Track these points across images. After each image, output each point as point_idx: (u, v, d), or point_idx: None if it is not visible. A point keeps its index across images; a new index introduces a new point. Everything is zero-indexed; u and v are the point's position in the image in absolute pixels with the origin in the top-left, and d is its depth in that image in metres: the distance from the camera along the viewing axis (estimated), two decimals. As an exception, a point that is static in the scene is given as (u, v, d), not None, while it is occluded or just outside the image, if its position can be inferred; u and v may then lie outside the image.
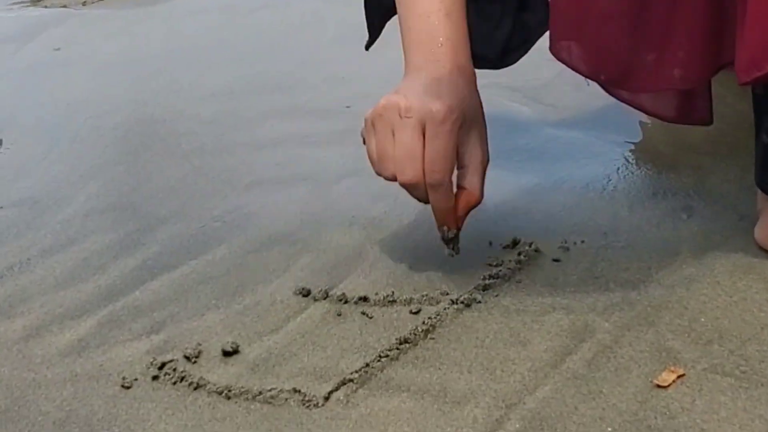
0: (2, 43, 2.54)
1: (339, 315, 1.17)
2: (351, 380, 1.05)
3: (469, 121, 1.22)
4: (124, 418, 1.03)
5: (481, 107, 1.25)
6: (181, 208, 1.46)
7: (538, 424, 0.97)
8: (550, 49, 1.27)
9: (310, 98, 1.85)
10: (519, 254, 1.26)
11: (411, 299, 1.18)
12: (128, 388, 1.07)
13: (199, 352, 1.12)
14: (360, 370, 1.06)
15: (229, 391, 1.05)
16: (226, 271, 1.29)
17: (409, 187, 1.19)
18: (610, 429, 0.95)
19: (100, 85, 1.99)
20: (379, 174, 1.20)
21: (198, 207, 1.47)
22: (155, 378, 1.09)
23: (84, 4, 2.93)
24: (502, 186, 1.45)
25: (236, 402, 1.04)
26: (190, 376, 1.08)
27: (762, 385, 0.99)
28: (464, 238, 1.28)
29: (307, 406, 1.02)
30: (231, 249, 1.34)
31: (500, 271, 1.22)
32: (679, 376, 1.02)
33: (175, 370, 1.09)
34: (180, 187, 1.51)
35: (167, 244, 1.35)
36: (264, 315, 1.19)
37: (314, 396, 1.03)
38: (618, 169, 1.49)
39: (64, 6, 2.92)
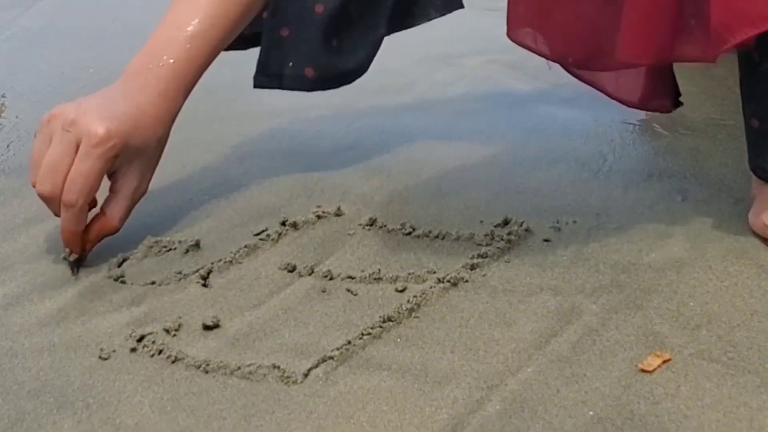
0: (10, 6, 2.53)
1: (323, 291, 1.15)
2: (331, 357, 1.03)
3: (134, 151, 1.23)
4: (100, 390, 1.01)
5: (162, 143, 1.27)
6: (169, 179, 1.44)
7: (519, 406, 0.95)
8: (508, 34, 1.24)
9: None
10: (509, 233, 1.24)
11: (397, 277, 1.17)
12: (106, 359, 1.06)
13: (180, 326, 1.10)
14: (341, 347, 1.05)
15: (207, 365, 1.03)
16: (211, 245, 1.27)
17: (45, 200, 1.21)
18: (591, 413, 0.94)
19: (96, 54, 1.98)
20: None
21: (187, 179, 1.45)
22: (133, 350, 1.07)
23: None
24: (496, 164, 1.44)
25: (214, 376, 1.02)
26: (168, 349, 1.06)
27: (748, 372, 0.98)
28: (456, 216, 1.27)
29: (286, 383, 1.00)
30: (218, 222, 1.32)
31: (489, 250, 1.20)
32: (664, 361, 1.00)
33: (154, 342, 1.07)
34: (170, 158, 1.47)
35: (154, 216, 1.33)
36: (247, 290, 1.17)
37: (293, 372, 1.01)
38: (614, 149, 1.47)
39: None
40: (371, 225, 1.28)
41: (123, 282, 1.20)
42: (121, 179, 1.25)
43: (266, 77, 1.40)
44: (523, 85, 1.76)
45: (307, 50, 1.38)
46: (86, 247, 1.24)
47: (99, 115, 1.20)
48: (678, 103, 1.37)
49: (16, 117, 1.74)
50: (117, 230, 1.26)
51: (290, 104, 1.67)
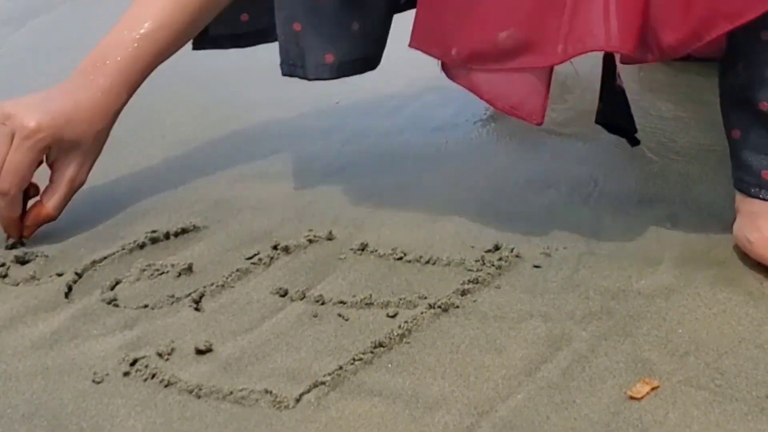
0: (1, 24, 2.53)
1: (315, 316, 1.16)
2: (323, 383, 1.04)
3: (68, 143, 1.33)
4: (93, 414, 1.01)
5: (100, 136, 1.37)
6: (162, 201, 1.45)
7: (509, 432, 0.96)
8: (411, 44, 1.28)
9: (299, 92, 1.82)
10: (500, 259, 1.25)
11: (388, 302, 1.17)
12: (99, 383, 1.06)
13: (172, 350, 1.11)
14: (333, 372, 1.05)
15: (200, 389, 1.04)
16: (203, 268, 1.27)
17: None
18: (581, 440, 0.95)
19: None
20: None
21: (179, 200, 1.45)
22: (126, 374, 1.07)
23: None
24: (487, 188, 1.45)
25: (206, 401, 1.02)
26: (161, 373, 1.07)
27: (736, 399, 0.99)
28: (447, 241, 1.27)
29: (278, 408, 1.01)
30: (210, 245, 1.33)
31: (480, 275, 1.21)
32: (653, 388, 1.01)
33: (147, 366, 1.08)
34: (162, 180, 1.49)
35: (146, 238, 1.34)
36: (240, 314, 1.17)
37: (285, 397, 1.02)
38: (604, 174, 1.48)
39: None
40: (362, 249, 1.29)
41: (116, 305, 1.20)
42: (59, 170, 1.34)
43: (291, 66, 1.43)
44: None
45: (322, 39, 1.40)
46: (25, 233, 1.34)
47: (33, 110, 1.30)
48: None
49: None
50: (52, 218, 1.35)
51: (282, 127, 1.69)
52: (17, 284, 1.26)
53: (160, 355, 1.10)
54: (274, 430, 0.98)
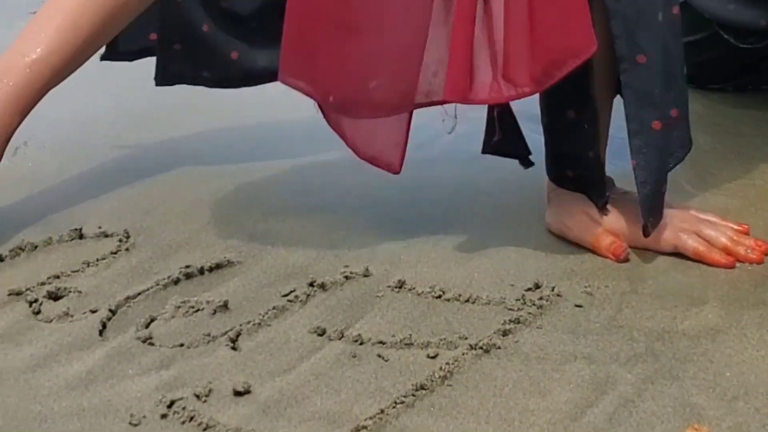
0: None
1: (354, 357, 1.14)
2: (365, 427, 1.02)
3: None
4: (131, 458, 1.00)
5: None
6: (196, 236, 1.43)
7: (557, 481, 0.94)
8: (279, 77, 1.31)
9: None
10: (540, 298, 1.23)
11: (428, 342, 1.15)
12: (136, 425, 1.04)
13: (210, 391, 1.09)
14: (374, 416, 1.03)
15: (240, 433, 1.02)
16: (239, 305, 1.25)
17: None
18: (631, 490, 0.92)
19: (120, 102, 1.96)
20: None
21: (213, 235, 1.43)
22: (164, 416, 1.05)
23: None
24: (525, 223, 1.42)
25: (246, 446, 1.01)
26: (199, 415, 1.05)
27: (789, 448, 0.96)
28: (486, 278, 1.25)
29: (319, 453, 0.99)
30: (245, 281, 1.31)
31: (521, 315, 1.19)
32: (703, 435, 0.99)
33: (184, 408, 1.06)
34: (195, 213, 1.47)
35: (180, 274, 1.32)
36: (277, 354, 1.15)
37: (326, 442, 1.00)
38: (643, 209, 1.45)
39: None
40: (400, 287, 1.27)
41: (151, 344, 1.18)
42: None
43: (166, 80, 1.54)
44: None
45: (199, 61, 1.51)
46: None
47: None
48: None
49: (36, 164, 1.72)
50: None
51: (314, 158, 1.67)
52: (50, 321, 1.24)
53: (197, 396, 1.08)
54: (316, 477, 0.96)
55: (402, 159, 1.33)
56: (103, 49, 1.53)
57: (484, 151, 1.45)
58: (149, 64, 1.58)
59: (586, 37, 1.20)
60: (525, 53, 1.21)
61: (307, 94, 1.31)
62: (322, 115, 1.35)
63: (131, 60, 1.63)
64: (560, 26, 1.20)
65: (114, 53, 1.60)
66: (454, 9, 1.23)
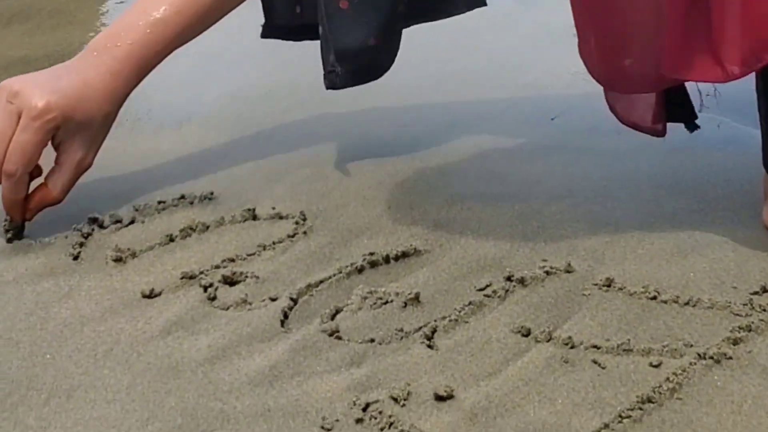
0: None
1: (566, 362, 1.02)
2: (588, 443, 0.90)
3: (77, 125, 1.28)
4: (328, 468, 0.90)
5: (108, 120, 1.32)
6: (377, 221, 1.32)
7: None
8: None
9: (507, 106, 1.70)
10: (772, 303, 1.09)
11: (650, 349, 1.03)
12: (329, 430, 0.94)
13: (408, 394, 0.98)
14: (598, 431, 0.92)
15: (446, 444, 0.91)
16: (431, 298, 1.15)
17: None
18: None
19: (287, 77, 1.86)
20: None
21: (395, 221, 1.32)
22: (359, 421, 0.95)
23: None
24: (740, 221, 1.29)
25: (457, 459, 0.90)
26: (399, 422, 0.94)
27: None
28: (703, 279, 1.13)
29: (539, 470, 0.88)
30: (435, 272, 1.20)
31: (752, 322, 1.06)
32: None
33: (381, 413, 0.96)
34: (374, 197, 1.37)
35: (364, 261, 1.21)
36: (479, 354, 1.05)
37: (547, 458, 0.89)
38: None
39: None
40: (608, 286, 1.15)
41: (338, 338, 1.08)
42: (65, 152, 1.30)
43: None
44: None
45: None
46: (27, 215, 1.30)
47: (42, 89, 1.25)
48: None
49: (201, 141, 1.63)
50: (58, 201, 1.31)
51: (495, 145, 1.55)
52: (227, 308, 1.15)
53: (395, 399, 0.98)
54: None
55: (661, 121, 1.29)
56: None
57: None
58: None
59: None
60: (736, 33, 1.09)
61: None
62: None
63: (286, 39, 1.54)
64: None
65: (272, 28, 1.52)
66: None
